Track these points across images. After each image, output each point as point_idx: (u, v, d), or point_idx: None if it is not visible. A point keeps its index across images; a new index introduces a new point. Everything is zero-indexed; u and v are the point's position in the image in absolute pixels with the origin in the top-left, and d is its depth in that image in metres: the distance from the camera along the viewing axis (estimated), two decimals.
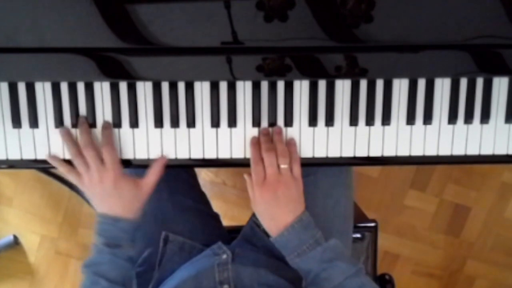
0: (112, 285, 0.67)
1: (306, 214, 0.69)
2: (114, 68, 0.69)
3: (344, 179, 0.83)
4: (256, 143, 0.72)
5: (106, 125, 0.72)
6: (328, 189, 0.81)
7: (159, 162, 0.72)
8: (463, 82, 0.73)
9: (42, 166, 0.75)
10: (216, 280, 0.68)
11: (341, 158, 0.74)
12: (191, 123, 0.73)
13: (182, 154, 0.74)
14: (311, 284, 0.67)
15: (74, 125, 0.72)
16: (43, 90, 0.72)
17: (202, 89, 0.72)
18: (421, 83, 0.73)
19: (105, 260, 0.68)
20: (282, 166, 0.68)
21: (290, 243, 0.67)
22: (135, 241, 0.72)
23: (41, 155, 0.73)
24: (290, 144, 0.72)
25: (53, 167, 0.73)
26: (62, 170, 0.72)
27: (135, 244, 0.72)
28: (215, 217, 0.94)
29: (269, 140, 0.71)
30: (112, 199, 0.69)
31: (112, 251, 0.68)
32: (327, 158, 0.74)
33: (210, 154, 0.74)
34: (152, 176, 0.72)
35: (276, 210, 0.68)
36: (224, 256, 0.72)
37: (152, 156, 0.73)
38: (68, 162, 0.72)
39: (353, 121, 0.73)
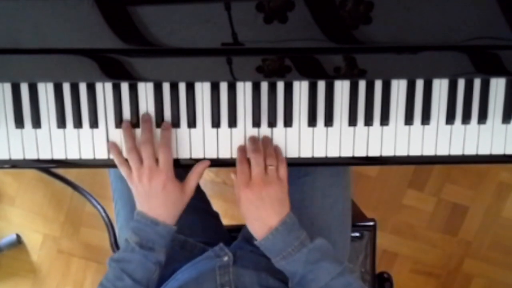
0: (136, 285, 0.67)
1: (290, 216, 0.68)
2: (116, 69, 0.70)
3: (342, 179, 0.83)
4: (242, 147, 0.73)
5: (166, 126, 0.72)
6: (326, 189, 0.81)
7: (201, 166, 0.73)
8: (461, 83, 0.73)
9: (44, 166, 0.75)
10: (218, 282, 0.68)
11: (340, 158, 0.75)
12: (191, 123, 0.73)
13: (183, 154, 0.74)
14: (298, 285, 0.67)
15: (77, 125, 0.73)
16: (45, 91, 0.72)
17: (202, 90, 0.73)
18: (419, 84, 0.73)
19: (135, 260, 0.68)
20: (270, 166, 0.68)
21: (275, 246, 0.67)
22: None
23: (44, 155, 0.74)
24: (276, 147, 0.73)
25: (54, 167, 0.73)
26: (116, 160, 0.72)
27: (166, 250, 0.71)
28: (215, 216, 0.94)
29: (256, 142, 0.72)
30: (157, 200, 0.69)
31: (143, 252, 0.68)
32: (326, 158, 0.75)
33: (211, 154, 0.74)
34: (193, 180, 0.72)
35: (260, 211, 0.67)
36: (226, 258, 0.72)
37: None
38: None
39: (352, 122, 0.73)
